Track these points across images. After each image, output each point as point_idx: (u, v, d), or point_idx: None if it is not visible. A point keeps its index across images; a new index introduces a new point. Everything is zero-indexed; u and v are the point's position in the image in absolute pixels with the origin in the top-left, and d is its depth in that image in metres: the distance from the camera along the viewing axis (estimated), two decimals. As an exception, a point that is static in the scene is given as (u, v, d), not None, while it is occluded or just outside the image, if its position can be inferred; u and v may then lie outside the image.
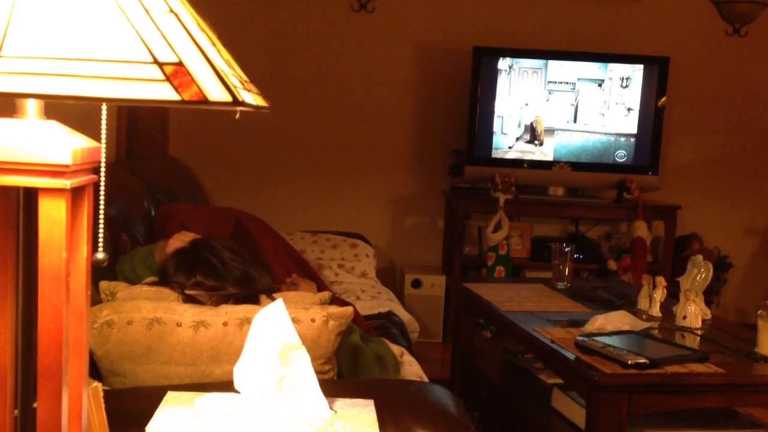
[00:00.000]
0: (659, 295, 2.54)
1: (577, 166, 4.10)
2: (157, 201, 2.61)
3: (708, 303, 2.62)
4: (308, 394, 1.16)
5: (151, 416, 1.15)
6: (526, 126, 4.10)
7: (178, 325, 1.44)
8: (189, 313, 1.47)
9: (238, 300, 1.61)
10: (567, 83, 4.09)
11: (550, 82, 4.09)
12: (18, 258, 0.84)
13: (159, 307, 1.47)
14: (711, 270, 2.51)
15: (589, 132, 4.12)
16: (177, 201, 2.83)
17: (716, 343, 2.26)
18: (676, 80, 4.26)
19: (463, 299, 3.06)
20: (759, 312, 2.14)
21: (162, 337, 1.43)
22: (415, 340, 2.89)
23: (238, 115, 0.80)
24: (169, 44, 0.74)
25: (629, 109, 4.11)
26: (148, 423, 1.13)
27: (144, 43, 0.73)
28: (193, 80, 0.72)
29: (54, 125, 0.79)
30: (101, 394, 1.03)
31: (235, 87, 0.76)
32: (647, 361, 1.92)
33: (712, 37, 4.51)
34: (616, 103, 4.11)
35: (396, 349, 2.13)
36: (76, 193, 0.81)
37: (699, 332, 2.37)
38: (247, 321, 1.43)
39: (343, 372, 1.70)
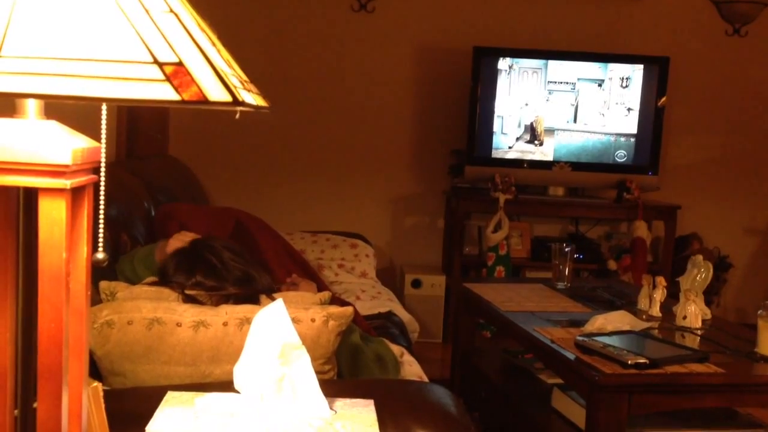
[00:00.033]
0: (659, 295, 2.54)
1: (577, 166, 4.10)
2: (157, 201, 2.61)
3: (708, 303, 2.62)
4: (308, 394, 1.16)
5: (151, 416, 1.15)
6: (526, 126, 4.10)
7: (178, 325, 1.44)
8: (189, 313, 1.47)
9: (238, 300, 1.61)
10: (567, 83, 4.09)
11: (550, 82, 4.09)
12: (18, 258, 0.84)
13: (159, 307, 1.47)
14: (711, 270, 2.51)
15: (589, 132, 4.12)
16: (177, 201, 2.83)
17: (716, 343, 2.26)
18: (676, 80, 4.26)
19: (463, 299, 3.06)
20: (759, 312, 2.14)
21: (162, 337, 1.43)
22: (415, 340, 2.89)
23: (238, 115, 0.80)
24: (169, 44, 0.74)
25: (629, 109, 4.10)
26: (148, 423, 1.13)
27: (144, 43, 0.73)
28: (193, 80, 0.72)
29: (54, 125, 0.79)
30: (101, 394, 1.03)
31: (235, 87, 0.76)
32: (647, 361, 1.92)
33: (712, 37, 4.51)
34: (616, 103, 4.11)
35: (396, 349, 2.12)
36: (76, 193, 0.81)
37: (699, 332, 2.37)
38: (247, 321, 1.43)
39: (343, 372, 1.70)
